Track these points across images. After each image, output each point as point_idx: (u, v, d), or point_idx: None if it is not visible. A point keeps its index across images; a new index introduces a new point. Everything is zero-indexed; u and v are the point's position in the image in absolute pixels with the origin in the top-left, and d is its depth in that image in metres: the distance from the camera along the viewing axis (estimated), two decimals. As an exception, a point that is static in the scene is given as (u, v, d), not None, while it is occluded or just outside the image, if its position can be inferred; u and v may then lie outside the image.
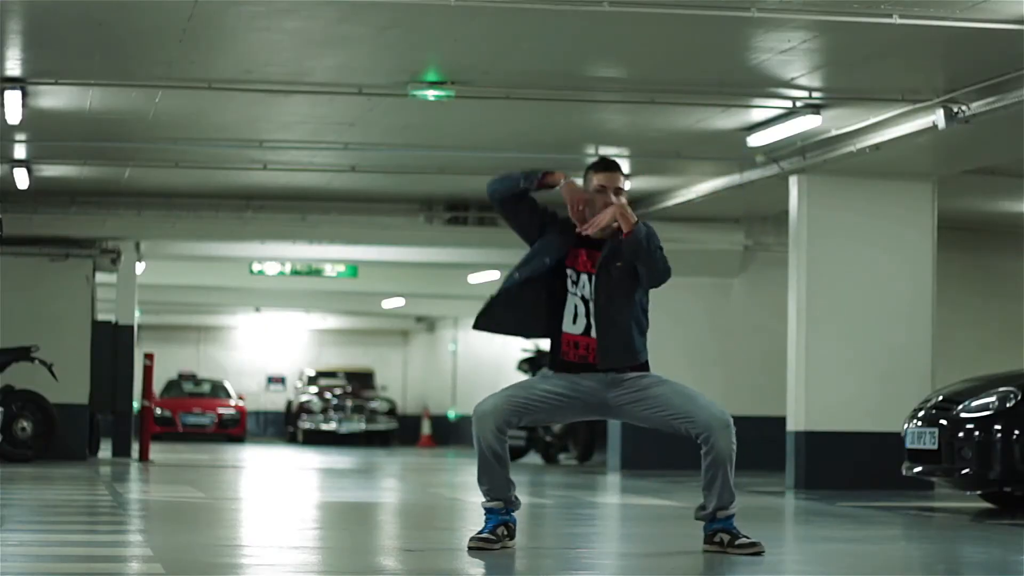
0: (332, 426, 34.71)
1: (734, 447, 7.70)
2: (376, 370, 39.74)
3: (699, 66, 12.63)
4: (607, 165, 7.99)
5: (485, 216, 20.49)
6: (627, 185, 8.05)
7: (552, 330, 7.80)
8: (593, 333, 7.71)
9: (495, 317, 7.85)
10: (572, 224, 7.85)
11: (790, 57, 12.07)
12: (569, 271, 7.79)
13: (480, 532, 7.76)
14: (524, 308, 7.80)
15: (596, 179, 7.89)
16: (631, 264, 7.70)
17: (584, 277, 7.77)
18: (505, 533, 7.76)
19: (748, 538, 7.70)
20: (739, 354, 19.99)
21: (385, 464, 22.42)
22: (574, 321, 7.75)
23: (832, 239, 15.80)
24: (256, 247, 22.55)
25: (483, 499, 7.82)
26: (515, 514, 7.85)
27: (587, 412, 7.85)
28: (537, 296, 7.79)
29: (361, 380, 37.87)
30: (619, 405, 7.76)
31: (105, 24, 11.59)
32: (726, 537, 7.72)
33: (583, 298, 7.75)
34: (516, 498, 7.84)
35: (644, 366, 7.78)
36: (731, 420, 7.70)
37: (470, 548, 7.69)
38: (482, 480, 7.77)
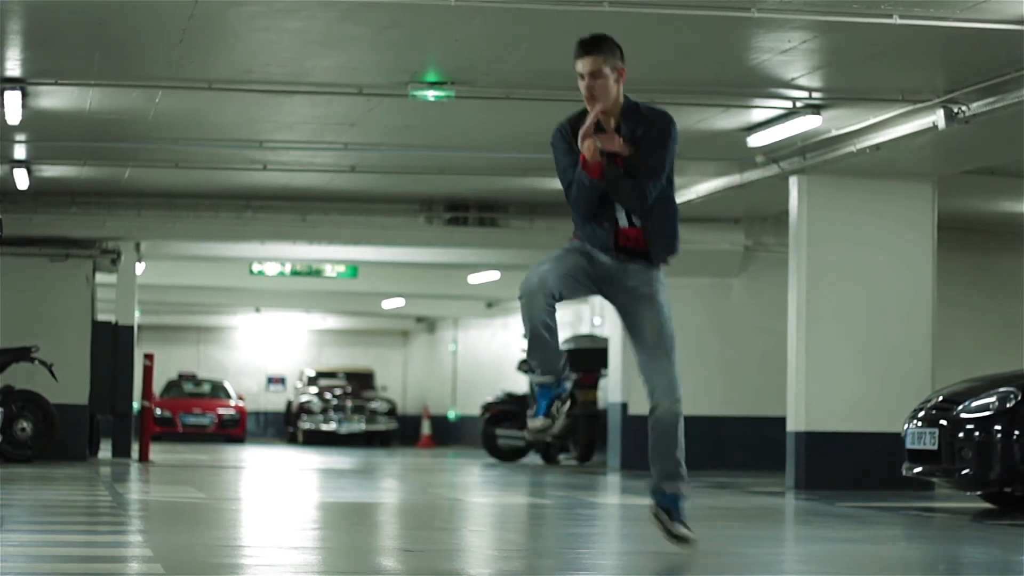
0: (332, 426, 34.71)
1: (677, 412, 7.65)
2: (376, 370, 39.73)
3: (699, 66, 12.63)
4: (583, 48, 7.54)
5: (485, 216, 20.50)
6: (608, 63, 7.48)
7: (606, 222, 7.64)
8: (622, 223, 7.58)
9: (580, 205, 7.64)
10: (576, 116, 7.62)
11: (790, 57, 12.07)
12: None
13: (536, 413, 7.69)
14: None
15: (576, 66, 7.56)
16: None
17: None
18: (559, 408, 7.70)
19: (686, 530, 7.64)
20: (739, 354, 19.99)
21: (385, 464, 22.42)
22: (627, 217, 7.60)
23: (832, 239, 15.80)
24: (256, 247, 22.54)
25: (534, 375, 7.71)
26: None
27: (588, 285, 7.73)
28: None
29: (361, 380, 37.86)
30: (614, 295, 7.70)
31: (105, 24, 11.59)
32: (665, 516, 7.69)
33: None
34: (564, 361, 7.75)
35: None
36: (679, 395, 7.64)
37: (533, 430, 7.66)
38: (534, 356, 7.65)
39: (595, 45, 7.53)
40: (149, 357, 21.15)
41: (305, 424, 34.93)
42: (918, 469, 12.26)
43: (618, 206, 7.58)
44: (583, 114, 7.57)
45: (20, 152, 17.04)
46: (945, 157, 15.23)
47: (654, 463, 7.74)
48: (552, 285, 7.53)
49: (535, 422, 7.66)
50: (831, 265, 15.75)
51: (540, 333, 7.57)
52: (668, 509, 7.70)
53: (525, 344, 7.72)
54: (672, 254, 7.69)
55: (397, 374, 42.32)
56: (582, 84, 7.50)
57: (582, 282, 7.67)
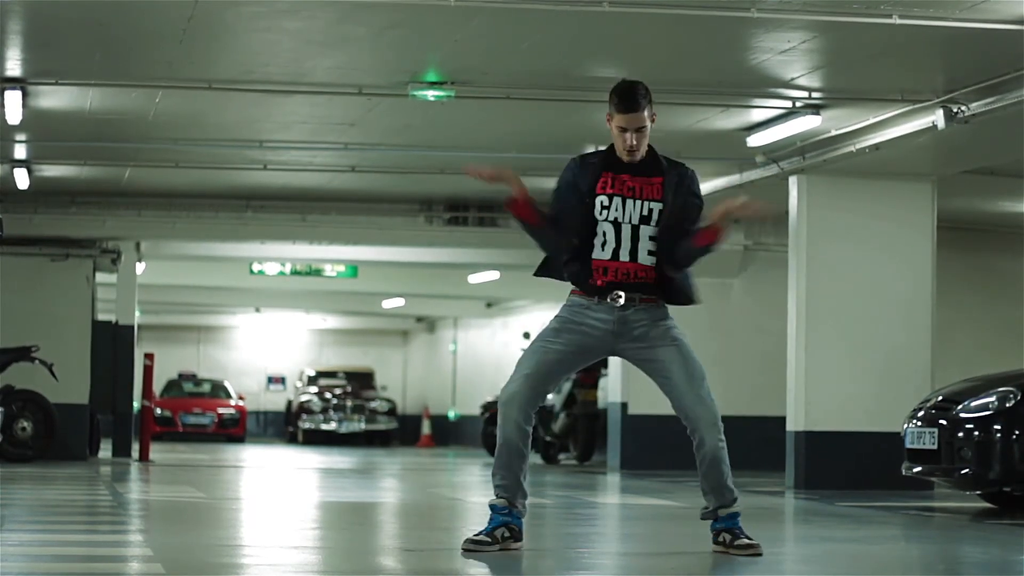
0: (332, 426, 34.72)
1: (722, 444, 7.64)
2: (376, 370, 39.74)
3: (699, 66, 12.63)
4: (626, 104, 7.53)
5: (485, 216, 20.50)
6: (649, 115, 7.55)
7: (580, 259, 7.63)
8: (623, 256, 7.56)
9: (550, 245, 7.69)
10: (602, 153, 7.63)
11: (790, 57, 12.08)
12: (601, 197, 7.57)
13: (478, 532, 7.73)
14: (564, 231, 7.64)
15: (616, 121, 7.58)
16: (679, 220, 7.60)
17: (619, 200, 7.58)
18: (508, 535, 7.66)
19: (749, 539, 7.69)
20: (739, 354, 19.98)
21: (385, 464, 22.42)
22: (603, 247, 7.58)
23: (832, 239, 15.80)
24: (256, 247, 22.55)
25: (492, 495, 7.74)
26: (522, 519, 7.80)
27: (595, 357, 7.77)
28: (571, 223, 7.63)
29: (361, 380, 37.87)
30: (625, 354, 7.69)
31: (105, 24, 11.60)
32: (728, 537, 7.71)
33: (615, 222, 7.58)
34: (524, 505, 7.75)
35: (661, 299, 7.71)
36: (718, 417, 7.63)
37: (464, 550, 7.61)
38: (496, 473, 7.70)
39: (636, 101, 7.55)
40: (149, 357, 21.15)
41: (305, 424, 34.94)
42: (918, 469, 12.26)
43: (597, 238, 7.57)
44: (608, 152, 7.61)
45: (20, 152, 17.04)
46: (945, 157, 15.23)
47: (707, 493, 7.73)
48: (527, 398, 7.58)
49: (469, 543, 7.61)
50: (831, 265, 15.75)
51: (506, 451, 7.65)
52: (729, 530, 7.72)
53: (494, 462, 7.73)
54: (693, 302, 7.76)
55: (397, 374, 42.32)
56: (621, 136, 7.54)
57: (576, 363, 7.72)
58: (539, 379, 7.64)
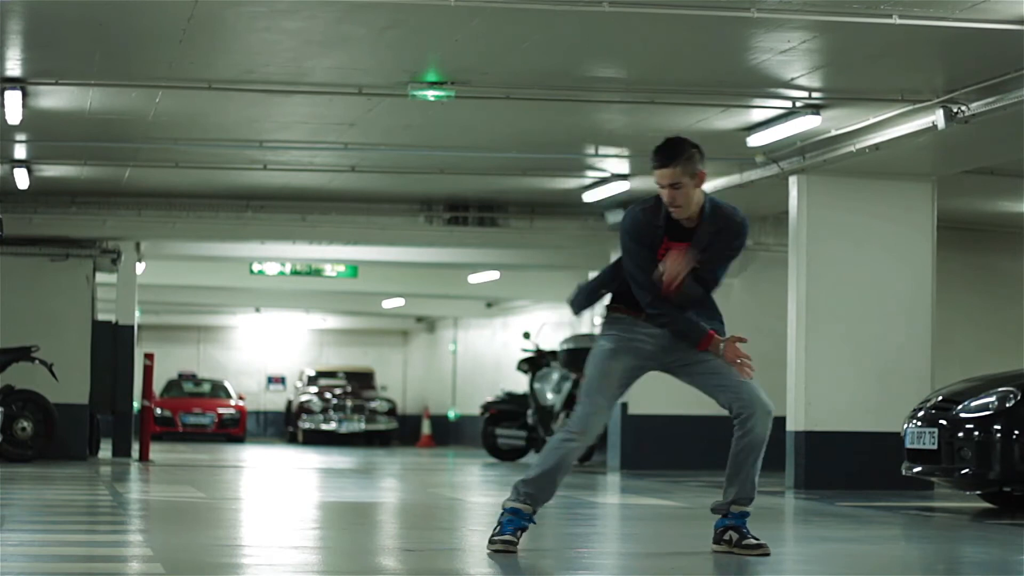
0: (332, 426, 34.71)
1: (767, 436, 7.65)
2: (376, 370, 39.74)
3: (699, 66, 12.63)
4: (660, 159, 7.59)
5: (485, 216, 20.51)
6: (687, 172, 7.54)
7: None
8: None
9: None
10: (654, 219, 7.66)
11: (790, 57, 12.07)
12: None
13: (501, 533, 7.70)
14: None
15: (654, 175, 7.64)
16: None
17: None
18: (520, 536, 7.74)
19: (756, 539, 7.67)
20: (739, 354, 19.95)
21: (385, 464, 22.42)
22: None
23: (832, 239, 15.80)
24: (256, 247, 22.56)
25: (514, 500, 7.74)
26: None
27: (648, 370, 7.86)
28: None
29: (361, 380, 37.87)
30: (675, 365, 7.76)
31: (105, 24, 11.60)
32: (734, 536, 7.69)
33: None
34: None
35: None
36: (773, 410, 7.67)
37: (495, 550, 7.62)
38: (532, 484, 7.72)
39: (671, 157, 7.55)
40: (149, 357, 21.15)
41: (305, 424, 34.94)
42: (918, 469, 12.26)
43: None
44: (657, 204, 7.63)
45: (20, 152, 17.04)
46: (945, 157, 15.23)
47: (730, 484, 7.71)
48: (600, 429, 7.75)
49: (499, 544, 7.66)
50: (831, 265, 15.75)
51: (558, 473, 7.72)
52: (736, 528, 7.72)
53: (533, 474, 7.73)
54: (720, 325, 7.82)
55: (397, 374, 42.32)
56: (663, 192, 7.56)
57: (634, 379, 7.83)
58: (610, 405, 7.78)
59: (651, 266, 7.62)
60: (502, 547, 7.64)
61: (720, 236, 7.65)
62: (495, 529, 7.75)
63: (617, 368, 7.72)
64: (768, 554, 7.63)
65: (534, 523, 7.81)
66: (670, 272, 7.54)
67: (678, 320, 7.64)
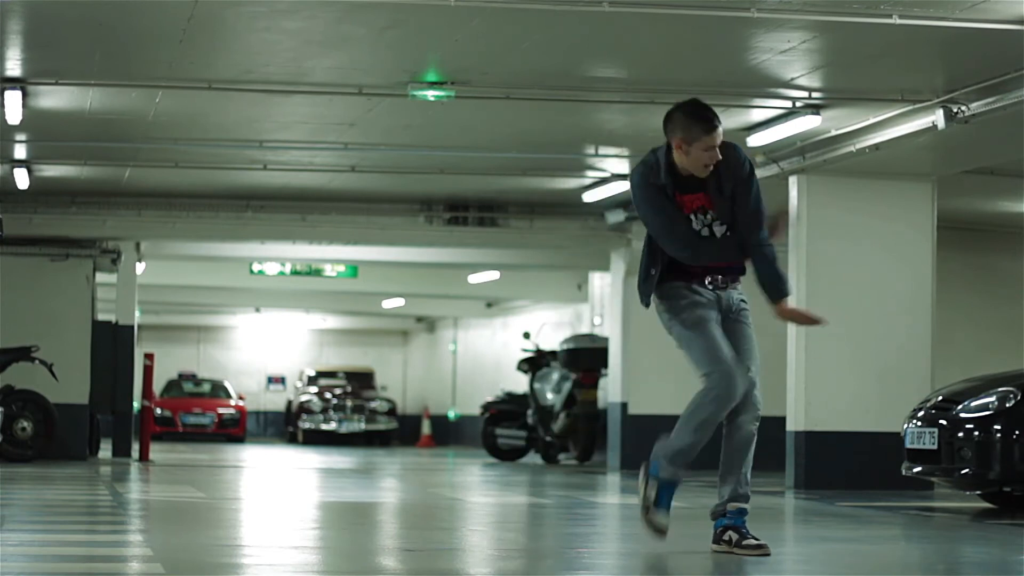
0: (332, 426, 34.71)
1: (754, 429, 7.68)
2: (376, 370, 39.74)
3: (699, 66, 12.63)
4: (712, 121, 7.64)
5: (485, 216, 20.50)
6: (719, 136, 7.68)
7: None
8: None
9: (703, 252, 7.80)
10: (664, 172, 7.71)
11: (790, 57, 12.07)
12: (688, 216, 7.77)
13: (659, 506, 7.77)
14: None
15: (701, 139, 7.62)
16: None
17: (693, 218, 7.76)
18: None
19: (756, 539, 7.67)
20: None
21: (385, 464, 22.42)
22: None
23: (832, 239, 15.80)
24: (256, 247, 22.56)
25: (667, 471, 7.76)
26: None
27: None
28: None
29: (361, 380, 37.87)
30: (725, 318, 7.82)
31: (105, 24, 11.60)
32: (734, 536, 7.68)
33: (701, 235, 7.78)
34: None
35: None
36: (760, 404, 7.70)
37: (656, 530, 7.73)
38: (681, 458, 7.72)
39: (716, 116, 7.68)
40: (149, 357, 21.15)
41: (305, 424, 34.94)
42: (918, 469, 12.26)
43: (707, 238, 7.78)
44: (652, 165, 7.71)
45: (20, 152, 17.04)
46: (945, 157, 15.23)
47: (723, 482, 7.73)
48: (742, 374, 7.66)
49: (659, 519, 7.71)
50: (831, 265, 15.75)
51: (704, 442, 7.68)
52: (736, 528, 7.72)
53: (682, 445, 7.70)
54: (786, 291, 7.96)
55: (397, 374, 42.32)
56: (704, 154, 7.61)
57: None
58: (730, 349, 7.70)
59: (680, 216, 7.69)
60: (661, 524, 7.77)
61: (730, 178, 7.74)
62: (650, 501, 7.83)
63: (707, 317, 7.73)
64: (768, 554, 7.63)
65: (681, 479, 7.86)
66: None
67: (766, 263, 7.80)
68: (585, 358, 22.79)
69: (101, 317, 21.15)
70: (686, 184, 7.72)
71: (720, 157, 7.66)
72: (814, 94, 13.43)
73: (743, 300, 7.89)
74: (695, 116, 7.65)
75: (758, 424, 7.72)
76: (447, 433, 37.45)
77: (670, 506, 7.78)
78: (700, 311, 7.74)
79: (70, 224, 20.08)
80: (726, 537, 7.70)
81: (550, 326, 29.40)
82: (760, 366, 7.80)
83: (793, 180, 15.89)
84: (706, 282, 7.79)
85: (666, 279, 7.82)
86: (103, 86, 13.59)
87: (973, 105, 12.83)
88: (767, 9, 10.62)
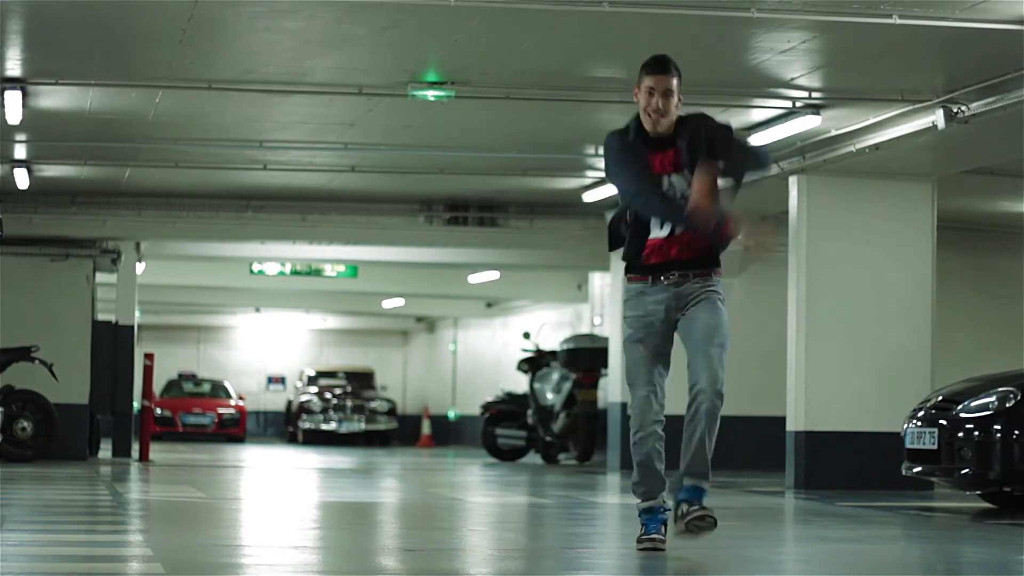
0: (332, 426, 34.71)
1: (713, 407, 7.60)
2: (376, 370, 39.74)
3: (699, 66, 12.62)
4: (659, 66, 7.73)
5: (485, 216, 20.51)
6: (679, 83, 7.80)
7: (637, 239, 7.76)
8: (678, 230, 7.68)
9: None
10: (633, 132, 7.72)
11: (790, 57, 12.08)
12: (660, 177, 7.72)
13: (647, 533, 7.73)
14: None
15: (644, 81, 7.71)
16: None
17: (665, 179, 7.72)
18: (664, 531, 7.79)
19: (704, 508, 7.64)
20: (739, 354, 19.85)
21: (385, 464, 22.42)
22: (661, 226, 7.72)
23: (832, 239, 15.79)
24: (256, 247, 22.55)
25: (640, 501, 7.78)
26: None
27: (672, 333, 7.80)
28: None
29: (361, 380, 37.87)
30: (680, 324, 7.75)
31: (105, 24, 11.60)
32: (685, 507, 7.67)
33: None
34: (663, 495, 7.85)
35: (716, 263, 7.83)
36: (722, 389, 7.63)
37: (643, 548, 7.68)
38: (642, 484, 7.74)
39: (669, 65, 7.74)
40: (149, 357, 21.15)
41: (305, 424, 34.94)
42: (918, 469, 12.26)
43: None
44: (624, 129, 7.75)
45: (20, 152, 17.04)
46: (945, 157, 15.23)
47: (684, 453, 7.69)
48: (657, 407, 7.67)
49: (647, 543, 7.70)
50: (831, 265, 15.75)
51: (650, 464, 7.69)
52: (690, 500, 7.68)
53: (635, 475, 7.75)
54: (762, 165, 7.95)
55: (397, 374, 42.32)
56: (646, 98, 7.65)
57: (669, 348, 7.78)
58: (655, 386, 7.70)
59: (649, 173, 7.66)
60: (650, 545, 7.69)
61: (701, 131, 7.72)
62: (640, 531, 7.79)
63: (645, 353, 7.71)
64: (714, 521, 7.59)
65: (668, 510, 7.79)
66: (697, 191, 7.56)
67: (657, 205, 7.66)
68: (585, 358, 22.80)
69: (101, 317, 21.15)
70: (655, 144, 7.71)
71: (661, 107, 7.62)
72: (814, 94, 13.43)
73: (713, 289, 7.72)
74: (646, 61, 7.75)
75: (721, 401, 7.63)
76: (447, 433, 37.45)
77: (656, 530, 7.73)
78: (638, 332, 7.72)
79: (70, 224, 20.08)
80: (680, 511, 7.70)
81: (550, 326, 29.40)
82: (728, 338, 7.69)
83: (793, 180, 15.88)
84: (662, 279, 7.71)
85: (630, 269, 7.81)
86: (103, 86, 13.60)
87: (973, 105, 12.83)
88: (767, 9, 10.62)
